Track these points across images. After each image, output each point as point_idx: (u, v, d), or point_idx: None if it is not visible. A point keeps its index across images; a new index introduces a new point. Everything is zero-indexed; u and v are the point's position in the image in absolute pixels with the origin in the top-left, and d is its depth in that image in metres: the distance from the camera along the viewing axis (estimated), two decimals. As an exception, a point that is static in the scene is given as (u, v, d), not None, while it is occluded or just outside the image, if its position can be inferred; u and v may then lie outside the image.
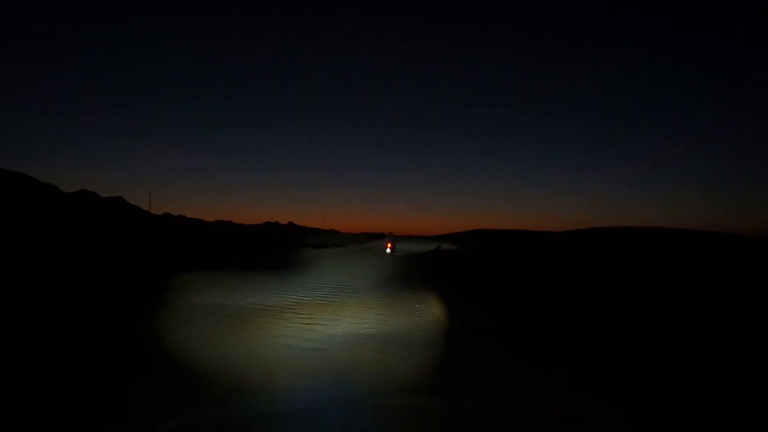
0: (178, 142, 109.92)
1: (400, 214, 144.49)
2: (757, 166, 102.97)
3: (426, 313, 7.13)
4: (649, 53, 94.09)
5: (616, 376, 3.90)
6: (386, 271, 14.39)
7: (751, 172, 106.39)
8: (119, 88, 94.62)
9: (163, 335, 5.28)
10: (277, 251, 24.73)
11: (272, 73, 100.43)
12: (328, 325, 6.07)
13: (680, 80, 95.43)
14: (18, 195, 26.92)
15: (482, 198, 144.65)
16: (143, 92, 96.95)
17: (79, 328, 5.56)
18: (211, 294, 8.32)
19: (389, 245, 28.55)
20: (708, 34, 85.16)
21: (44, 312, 6.38)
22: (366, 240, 58.11)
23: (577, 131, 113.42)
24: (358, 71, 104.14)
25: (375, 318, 6.55)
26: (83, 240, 20.61)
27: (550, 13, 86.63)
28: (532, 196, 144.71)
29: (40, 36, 78.66)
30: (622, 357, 4.63)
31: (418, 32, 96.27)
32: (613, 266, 14.72)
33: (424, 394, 3.67)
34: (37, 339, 5.02)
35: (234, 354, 4.61)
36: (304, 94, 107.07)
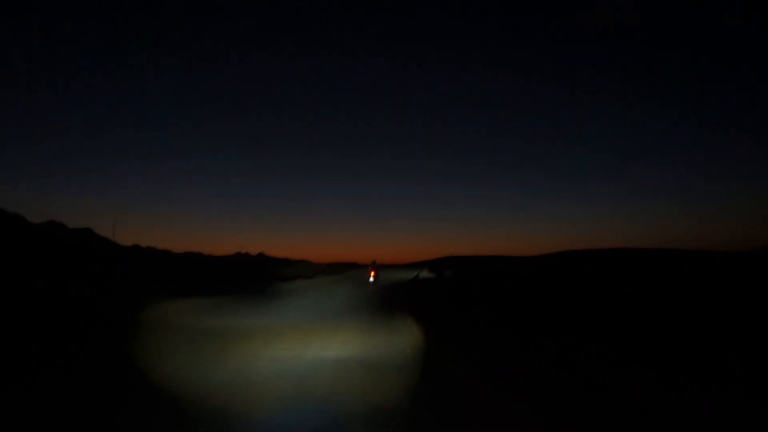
0: (144, 172, 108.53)
1: (371, 242, 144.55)
2: (729, 182, 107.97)
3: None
4: (624, 74, 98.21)
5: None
6: (375, 305, 14.30)
7: (724, 188, 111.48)
8: (86, 116, 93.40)
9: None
10: (255, 284, 24.51)
11: (240, 102, 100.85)
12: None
13: (650, 97, 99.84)
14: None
15: (454, 224, 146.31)
16: (110, 121, 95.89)
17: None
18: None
19: (372, 274, 27.19)
20: (676, 46, 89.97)
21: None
22: (339, 270, 57.56)
23: (549, 155, 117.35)
24: (328, 99, 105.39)
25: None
26: (62, 271, 20.47)
27: (513, 33, 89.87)
28: (506, 221, 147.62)
29: (1, 64, 77.56)
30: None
31: (389, 58, 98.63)
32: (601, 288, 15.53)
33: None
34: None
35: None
36: (272, 123, 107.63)
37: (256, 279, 28.33)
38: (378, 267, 28.41)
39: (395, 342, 7.26)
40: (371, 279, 26.96)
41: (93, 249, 37.44)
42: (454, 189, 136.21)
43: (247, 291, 19.11)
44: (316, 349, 6.91)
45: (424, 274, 40.12)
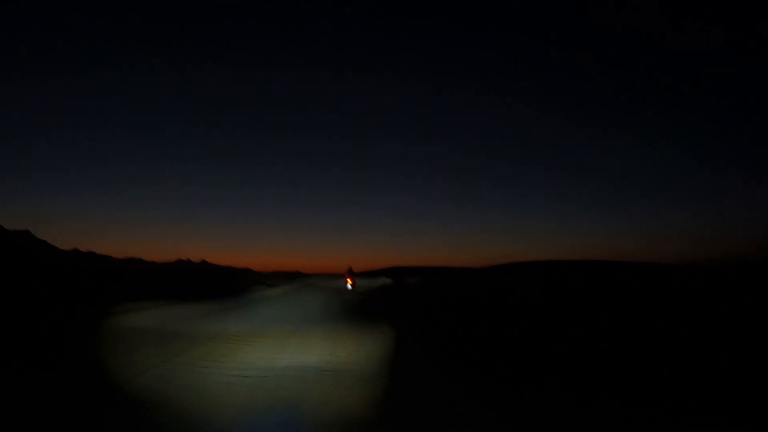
0: (83, 175, 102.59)
1: (312, 252, 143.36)
2: (670, 194, 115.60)
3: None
4: (562, 84, 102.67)
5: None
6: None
7: (666, 200, 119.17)
8: (24, 118, 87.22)
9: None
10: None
11: (181, 108, 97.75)
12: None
13: (589, 110, 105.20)
14: None
15: (396, 235, 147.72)
16: (49, 123, 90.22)
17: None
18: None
19: (350, 281, 25.92)
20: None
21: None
22: (288, 279, 56.29)
23: (494, 167, 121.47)
24: (268, 106, 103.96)
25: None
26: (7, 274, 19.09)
27: (454, 47, 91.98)
28: (446, 233, 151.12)
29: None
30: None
31: (334, 64, 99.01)
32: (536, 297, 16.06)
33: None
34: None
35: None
36: (212, 129, 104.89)
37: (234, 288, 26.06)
38: (354, 274, 26.87)
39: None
40: (348, 286, 25.60)
41: (34, 251, 35.18)
42: (395, 200, 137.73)
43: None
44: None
45: (387, 281, 41.03)
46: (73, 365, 5.91)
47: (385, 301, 18.21)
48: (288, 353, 6.92)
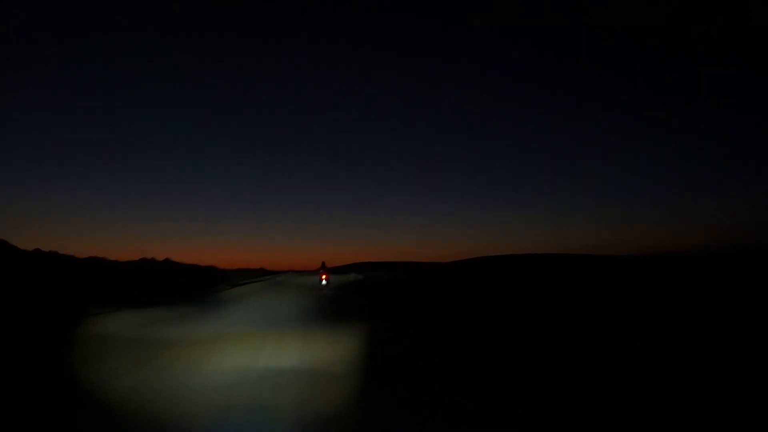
0: (43, 174, 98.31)
1: (278, 248, 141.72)
2: (636, 188, 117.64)
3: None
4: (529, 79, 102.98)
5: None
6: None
7: (629, 194, 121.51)
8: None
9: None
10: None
11: (141, 102, 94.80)
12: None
13: (562, 102, 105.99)
14: None
15: (363, 231, 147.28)
16: (8, 121, 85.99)
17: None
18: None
19: (324, 277, 25.45)
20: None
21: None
22: (254, 277, 55.23)
23: (460, 159, 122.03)
24: (229, 102, 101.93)
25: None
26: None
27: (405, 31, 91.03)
28: (413, 229, 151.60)
29: None
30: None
31: (306, 59, 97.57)
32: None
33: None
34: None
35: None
36: (175, 125, 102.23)
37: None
38: (328, 269, 26.25)
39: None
40: (323, 282, 25.15)
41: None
42: (361, 196, 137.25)
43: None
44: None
45: (358, 277, 41.09)
46: (41, 373, 5.81)
47: (361, 296, 18.16)
48: (264, 356, 6.91)
